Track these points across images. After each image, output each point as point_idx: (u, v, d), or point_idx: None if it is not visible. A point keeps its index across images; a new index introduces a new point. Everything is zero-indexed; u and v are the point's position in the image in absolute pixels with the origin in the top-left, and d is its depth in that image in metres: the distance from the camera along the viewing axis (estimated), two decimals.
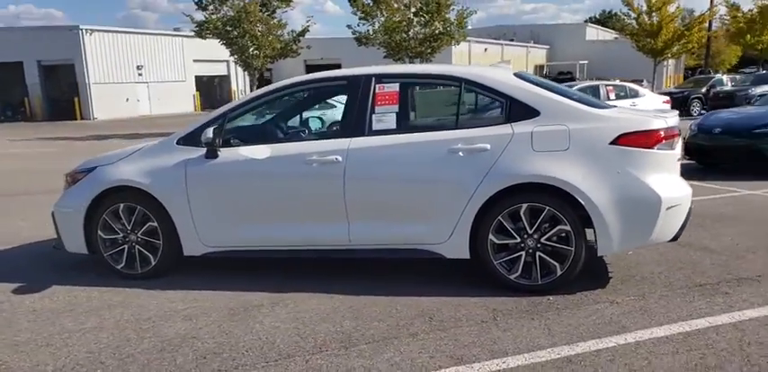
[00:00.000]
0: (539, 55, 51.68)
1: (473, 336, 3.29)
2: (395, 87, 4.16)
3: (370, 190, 4.07)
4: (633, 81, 21.49)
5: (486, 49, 42.14)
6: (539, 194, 3.84)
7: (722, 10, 30.07)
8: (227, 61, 44.00)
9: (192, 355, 3.21)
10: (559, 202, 3.80)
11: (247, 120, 4.64)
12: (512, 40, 50.12)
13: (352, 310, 3.76)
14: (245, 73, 24.18)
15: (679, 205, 3.85)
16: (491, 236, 3.91)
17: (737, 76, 25.15)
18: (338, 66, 47.01)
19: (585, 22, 79.74)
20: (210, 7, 22.49)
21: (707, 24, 27.61)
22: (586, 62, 44.89)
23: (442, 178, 3.96)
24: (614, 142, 3.78)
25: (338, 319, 3.63)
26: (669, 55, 28.01)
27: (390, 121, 4.11)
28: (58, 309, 3.99)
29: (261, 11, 21.89)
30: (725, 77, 23.90)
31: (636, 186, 3.75)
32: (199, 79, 41.98)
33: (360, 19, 22.66)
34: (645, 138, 3.80)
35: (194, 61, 41.18)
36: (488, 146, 3.88)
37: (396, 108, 4.14)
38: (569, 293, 3.88)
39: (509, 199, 3.86)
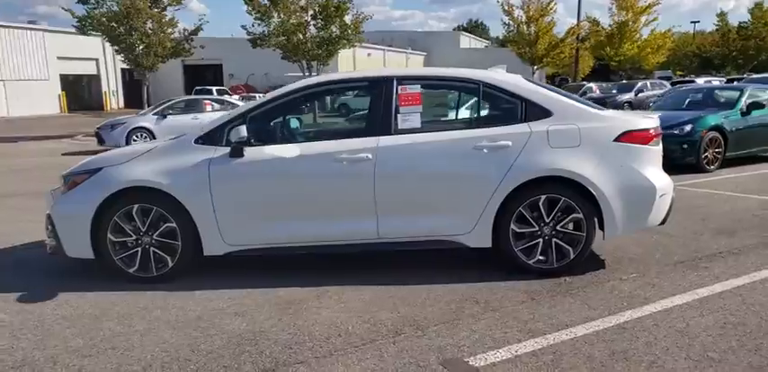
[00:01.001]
0: (417, 61, 53.64)
1: (527, 313, 3.66)
2: (416, 88, 4.43)
3: (399, 186, 4.30)
4: None
5: (369, 54, 43.09)
6: (555, 186, 4.29)
7: (585, 24, 33.30)
8: (97, 59, 41.36)
9: (275, 347, 3.28)
10: (573, 193, 4.28)
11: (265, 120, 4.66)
12: (390, 46, 51.59)
13: (396, 299, 3.98)
14: (137, 71, 22.81)
15: (666, 193, 4.49)
16: (512, 226, 4.31)
17: (603, 84, 27.98)
18: (219, 67, 45.60)
19: (455, 30, 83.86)
20: (92, 0, 21.16)
21: (575, 36, 30.39)
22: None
23: (467, 173, 4.29)
24: (617, 139, 4.34)
25: (390, 307, 3.84)
26: (546, 62, 30.54)
27: (415, 121, 4.38)
28: (90, 314, 3.83)
29: (150, 7, 20.96)
30: (594, 85, 26.49)
31: (635, 177, 4.33)
32: (64, 78, 39.05)
33: (255, 19, 22.42)
34: (642, 136, 4.39)
35: (59, 58, 38.27)
36: (510, 143, 4.28)
37: (419, 108, 4.41)
38: (579, 274, 4.37)
39: (529, 191, 4.28)
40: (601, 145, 4.33)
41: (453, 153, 4.30)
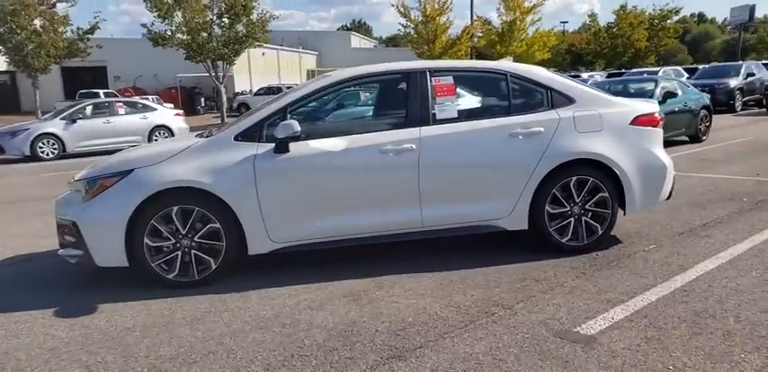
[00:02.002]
0: (310, 60, 53.35)
1: (591, 286, 3.92)
2: (449, 79, 4.56)
3: (442, 174, 4.41)
4: None
5: (263, 54, 42.26)
6: (584, 168, 4.60)
7: (477, 24, 34.80)
8: None
9: (382, 335, 3.28)
10: (599, 174, 4.61)
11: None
12: (281, 45, 50.88)
13: (457, 284, 4.08)
14: (27, 73, 20.76)
15: (671, 171, 4.95)
16: (547, 207, 4.57)
17: None
18: (102, 69, 42.74)
19: (340, 29, 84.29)
20: None
21: (470, 35, 31.69)
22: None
23: (506, 160, 4.49)
24: (632, 123, 4.73)
25: (458, 291, 3.94)
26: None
27: (452, 110, 4.51)
28: (155, 323, 3.61)
29: (39, 3, 19.32)
30: None
31: (649, 157, 4.74)
32: None
33: (157, 17, 21.36)
34: (650, 119, 4.82)
35: None
36: (542, 129, 4.53)
37: (454, 98, 4.55)
38: (605, 249, 4.71)
39: (561, 173, 4.55)
40: (619, 128, 4.69)
41: (491, 140, 4.48)
